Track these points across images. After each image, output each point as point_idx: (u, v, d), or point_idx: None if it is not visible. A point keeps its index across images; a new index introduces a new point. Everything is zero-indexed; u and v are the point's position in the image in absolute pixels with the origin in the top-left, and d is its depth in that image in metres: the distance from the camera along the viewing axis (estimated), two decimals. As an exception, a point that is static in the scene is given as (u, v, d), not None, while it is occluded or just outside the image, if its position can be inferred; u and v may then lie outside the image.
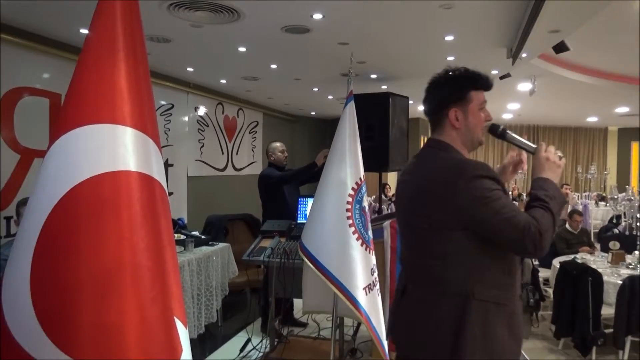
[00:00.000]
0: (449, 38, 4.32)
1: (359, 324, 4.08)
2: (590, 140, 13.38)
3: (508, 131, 1.65)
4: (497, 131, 1.64)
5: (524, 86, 6.87)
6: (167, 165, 6.15)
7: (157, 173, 1.17)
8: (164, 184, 1.19)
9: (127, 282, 1.06)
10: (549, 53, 4.78)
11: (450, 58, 5.09)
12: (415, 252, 1.61)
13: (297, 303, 4.06)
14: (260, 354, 3.73)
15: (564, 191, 7.78)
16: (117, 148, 1.09)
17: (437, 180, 1.50)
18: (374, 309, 2.58)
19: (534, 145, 1.60)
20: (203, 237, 4.59)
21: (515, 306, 1.53)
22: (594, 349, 3.79)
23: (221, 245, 4.58)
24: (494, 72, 5.75)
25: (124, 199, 1.08)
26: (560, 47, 4.44)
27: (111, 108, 1.10)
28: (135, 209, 1.09)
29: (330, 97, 7.84)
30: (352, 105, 2.80)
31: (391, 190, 10.08)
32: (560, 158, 1.56)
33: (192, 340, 3.85)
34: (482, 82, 1.57)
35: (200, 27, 3.90)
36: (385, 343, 2.60)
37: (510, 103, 8.99)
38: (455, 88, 1.57)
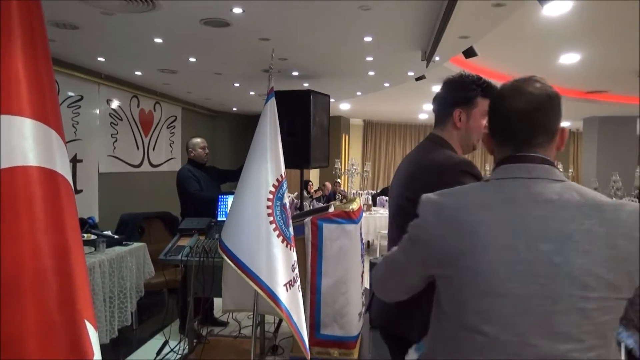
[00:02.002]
0: (368, 39, 4.44)
1: (280, 321, 4.08)
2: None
3: None
4: None
5: (438, 88, 7.21)
6: (75, 160, 5.76)
7: (62, 167, 1.09)
8: (69, 179, 1.12)
9: (28, 288, 0.99)
10: (460, 57, 5.07)
11: (369, 58, 5.25)
12: (396, 230, 1.71)
13: (218, 302, 3.99)
14: (179, 356, 3.62)
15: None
16: (14, 141, 1.01)
17: (426, 169, 1.64)
18: (294, 304, 2.60)
19: None
20: (116, 236, 4.35)
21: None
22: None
23: (136, 244, 4.37)
24: (410, 73, 6.01)
25: (24, 196, 1.00)
26: (469, 52, 4.74)
27: (7, 97, 1.02)
28: (37, 207, 1.02)
29: (252, 92, 7.77)
30: (273, 102, 2.79)
31: (314, 187, 10.20)
32: None
33: (104, 346, 3.65)
34: (491, 91, 1.67)
35: (112, 15, 3.69)
36: (306, 338, 2.64)
37: (426, 104, 9.43)
38: (465, 91, 1.72)
